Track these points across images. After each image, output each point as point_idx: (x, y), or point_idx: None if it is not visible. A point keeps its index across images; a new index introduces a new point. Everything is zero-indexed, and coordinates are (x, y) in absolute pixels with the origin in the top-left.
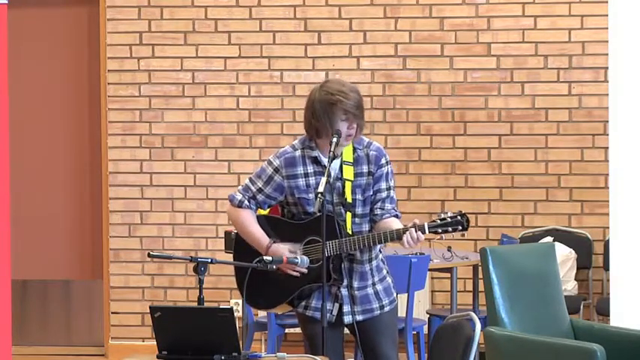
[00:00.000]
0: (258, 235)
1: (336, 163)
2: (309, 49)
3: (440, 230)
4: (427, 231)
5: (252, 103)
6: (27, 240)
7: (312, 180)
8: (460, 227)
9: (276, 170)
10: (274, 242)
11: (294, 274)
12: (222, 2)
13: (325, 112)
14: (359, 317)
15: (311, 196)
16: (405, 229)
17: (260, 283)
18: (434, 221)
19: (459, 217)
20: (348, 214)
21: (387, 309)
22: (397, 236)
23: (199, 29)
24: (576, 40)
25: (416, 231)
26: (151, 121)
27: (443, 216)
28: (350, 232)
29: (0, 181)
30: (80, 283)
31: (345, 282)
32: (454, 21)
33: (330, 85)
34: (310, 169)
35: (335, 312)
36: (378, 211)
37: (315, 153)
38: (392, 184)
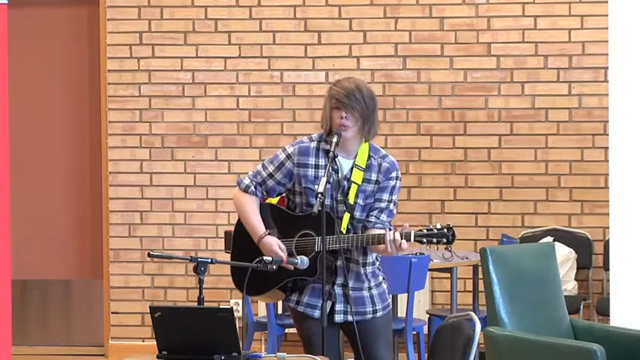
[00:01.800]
0: (255, 223)
1: (348, 164)
2: (309, 49)
3: (425, 240)
4: (413, 239)
5: (252, 103)
6: (27, 240)
7: (321, 172)
8: (445, 240)
9: (289, 157)
10: (269, 234)
11: (289, 267)
12: (222, 2)
13: (325, 102)
14: (351, 317)
15: (317, 187)
16: (393, 232)
17: (253, 270)
18: (421, 230)
19: (445, 231)
20: (347, 215)
21: (379, 314)
22: (383, 240)
23: (199, 29)
24: (576, 40)
25: (402, 237)
26: (151, 121)
27: (431, 227)
28: (344, 232)
29: (0, 181)
30: (80, 283)
31: (340, 280)
32: (454, 21)
33: (339, 79)
34: (322, 161)
35: (327, 309)
36: (373, 219)
37: (329, 147)
38: (395, 198)
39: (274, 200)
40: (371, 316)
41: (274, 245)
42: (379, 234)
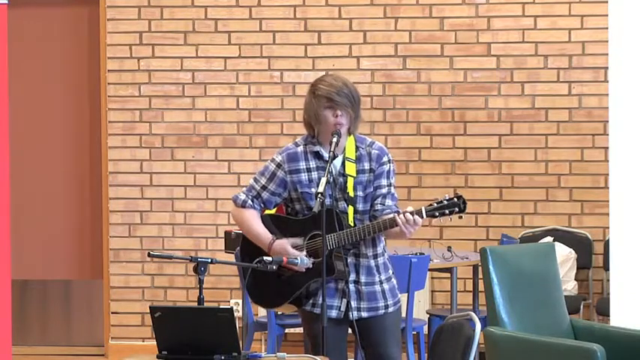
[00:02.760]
0: (260, 233)
1: (338, 159)
2: (309, 49)
3: (437, 214)
4: (425, 215)
5: (252, 103)
6: (27, 240)
7: (314, 174)
8: (457, 209)
9: (279, 166)
10: (276, 239)
11: (299, 269)
12: (222, 2)
13: (311, 103)
14: (364, 314)
15: (314, 190)
16: (402, 213)
17: (266, 280)
18: (431, 205)
19: (455, 199)
20: (351, 208)
21: (391, 309)
22: (396, 223)
23: (199, 29)
24: (576, 40)
25: (413, 215)
26: (151, 121)
27: (440, 199)
28: (352, 226)
29: (0, 181)
30: (80, 283)
31: (353, 277)
32: (454, 21)
33: (320, 78)
34: (312, 164)
35: (343, 308)
36: (379, 207)
37: (317, 148)
38: (393, 181)
39: (272, 211)
40: (383, 311)
41: (286, 246)
42: (390, 218)
